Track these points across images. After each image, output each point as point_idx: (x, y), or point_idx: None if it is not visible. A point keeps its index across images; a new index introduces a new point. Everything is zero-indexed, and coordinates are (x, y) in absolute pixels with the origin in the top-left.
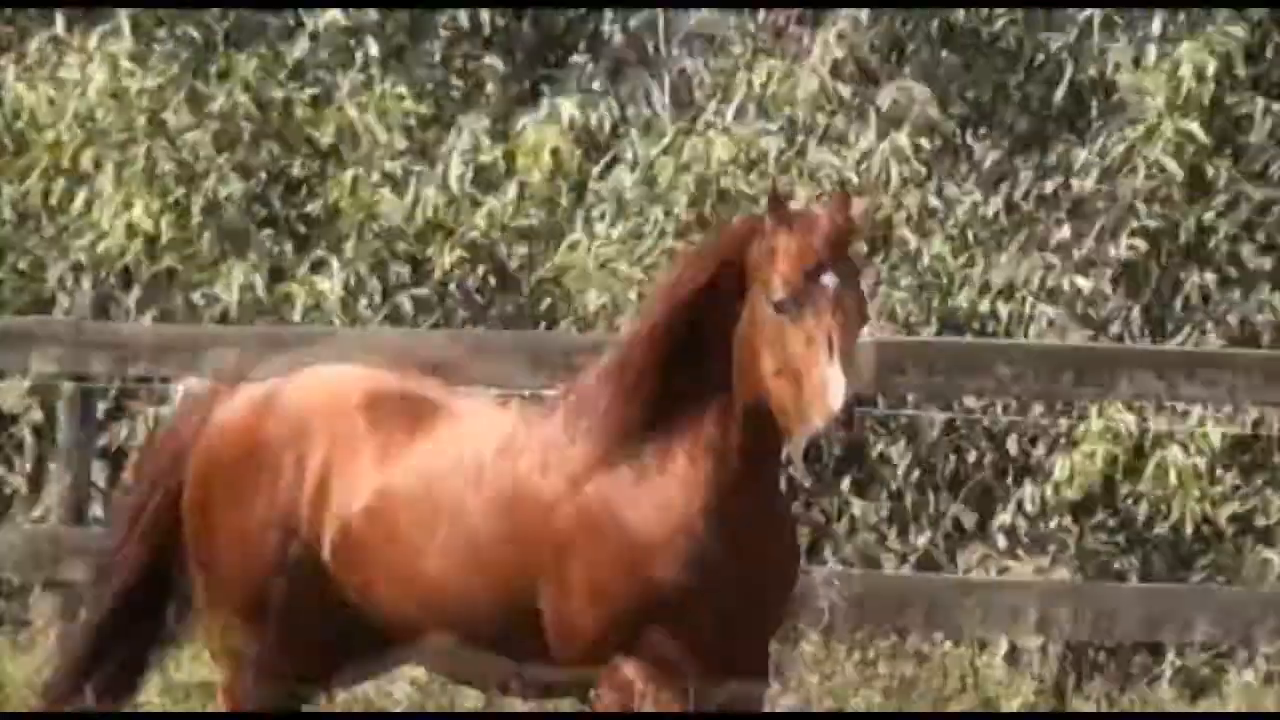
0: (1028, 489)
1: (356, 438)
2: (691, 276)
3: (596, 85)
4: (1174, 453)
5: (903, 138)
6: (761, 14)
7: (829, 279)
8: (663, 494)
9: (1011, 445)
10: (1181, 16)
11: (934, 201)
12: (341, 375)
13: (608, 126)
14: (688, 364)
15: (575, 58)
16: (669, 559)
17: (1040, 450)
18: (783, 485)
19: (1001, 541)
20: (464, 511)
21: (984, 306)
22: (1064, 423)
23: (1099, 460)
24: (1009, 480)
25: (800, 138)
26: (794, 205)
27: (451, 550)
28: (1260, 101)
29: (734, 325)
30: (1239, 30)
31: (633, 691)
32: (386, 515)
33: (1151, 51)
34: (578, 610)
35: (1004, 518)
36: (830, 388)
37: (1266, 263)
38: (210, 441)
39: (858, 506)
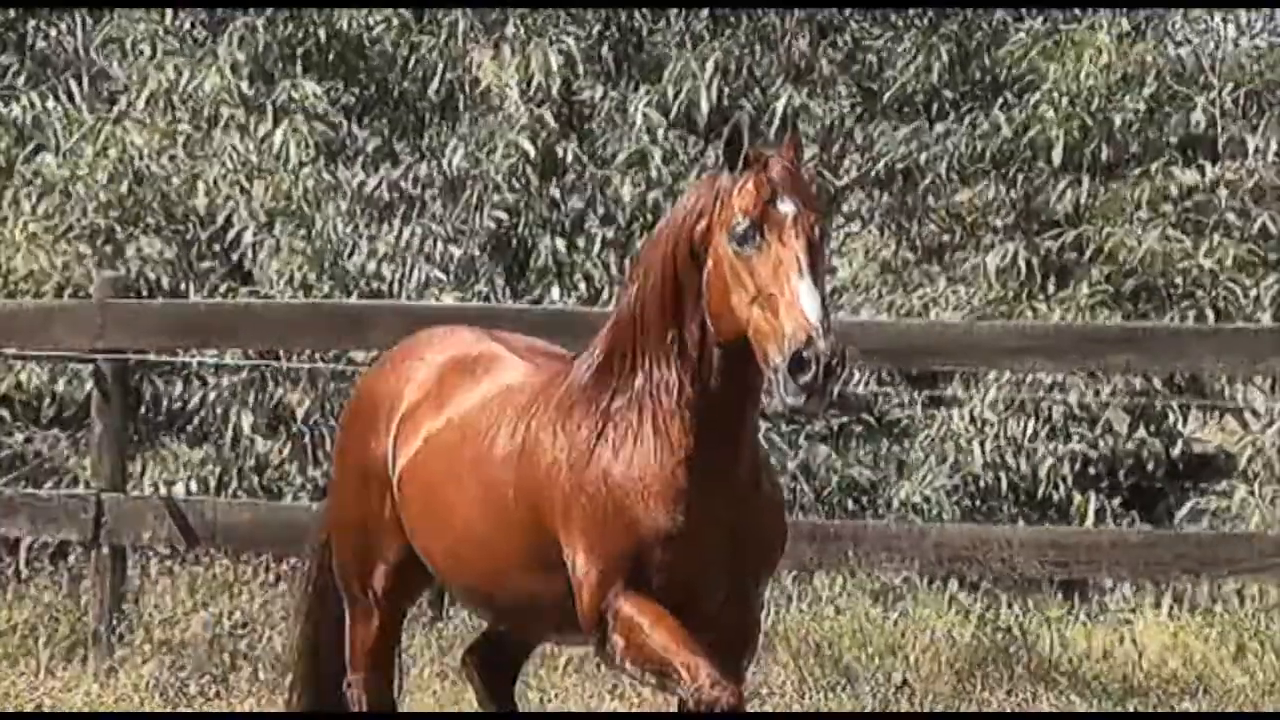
0: None
1: (432, 390)
2: (669, 238)
3: (21, 82)
4: None
5: (299, 125)
6: (169, 16)
7: (787, 205)
8: (646, 448)
9: None
10: (537, 20)
11: (327, 179)
12: (440, 335)
13: (29, 119)
14: (672, 322)
15: (1, 58)
16: (654, 509)
17: None
18: (759, 427)
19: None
20: (487, 465)
21: (372, 269)
22: None
23: None
24: None
25: (205, 125)
26: (746, 150)
27: (476, 502)
28: (600, 89)
29: (701, 276)
30: (580, 31)
31: (635, 626)
32: (428, 463)
33: (507, 51)
34: (581, 565)
35: None
36: (804, 301)
37: (610, 231)
38: (352, 397)
39: (262, 445)
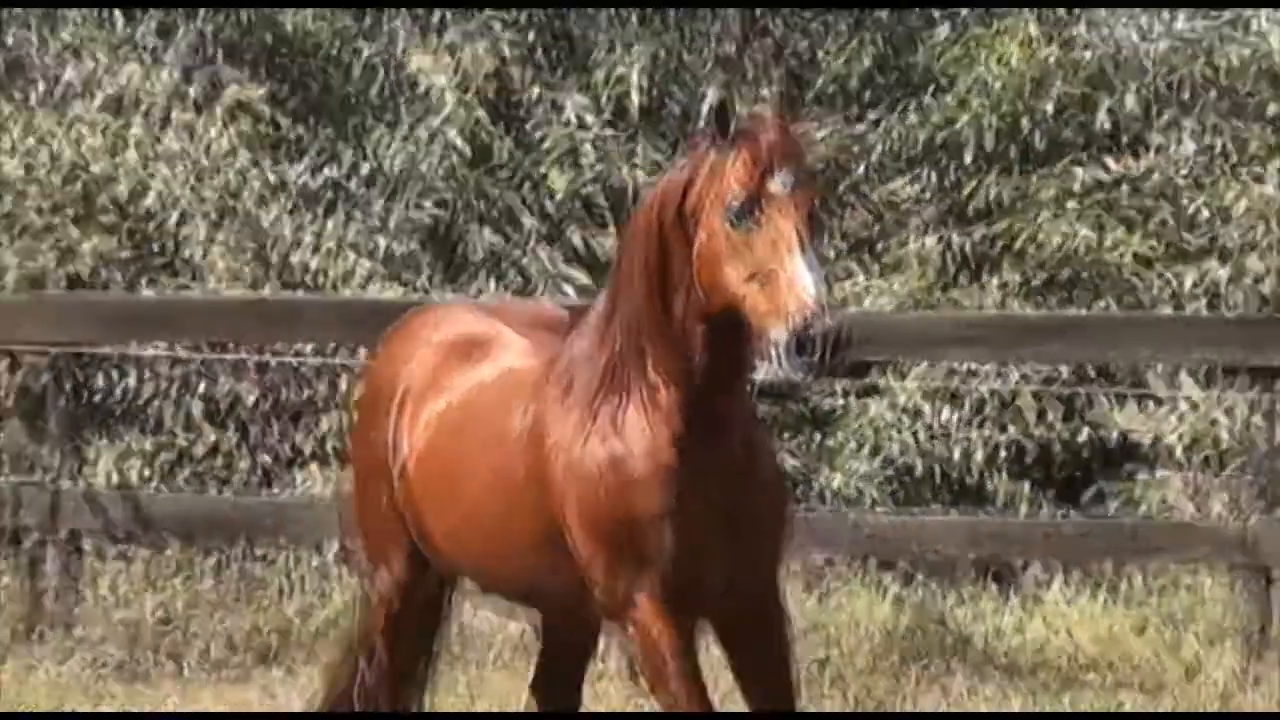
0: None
1: (433, 372)
2: (657, 211)
3: None
4: None
5: (244, 126)
6: (121, 23)
7: (780, 180)
8: (636, 427)
9: (343, 383)
10: (471, 25)
11: (271, 178)
12: (438, 316)
13: None
14: (660, 295)
15: None
16: (646, 489)
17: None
18: (754, 402)
19: (336, 463)
20: (496, 447)
21: (315, 264)
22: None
23: None
24: (339, 409)
25: (156, 127)
26: (736, 122)
27: (486, 484)
28: (535, 89)
29: (691, 249)
30: (513, 35)
31: (654, 635)
32: (433, 446)
33: (446, 55)
34: (584, 549)
35: (333, 441)
36: (802, 280)
37: (542, 225)
38: (361, 383)
39: (211, 434)
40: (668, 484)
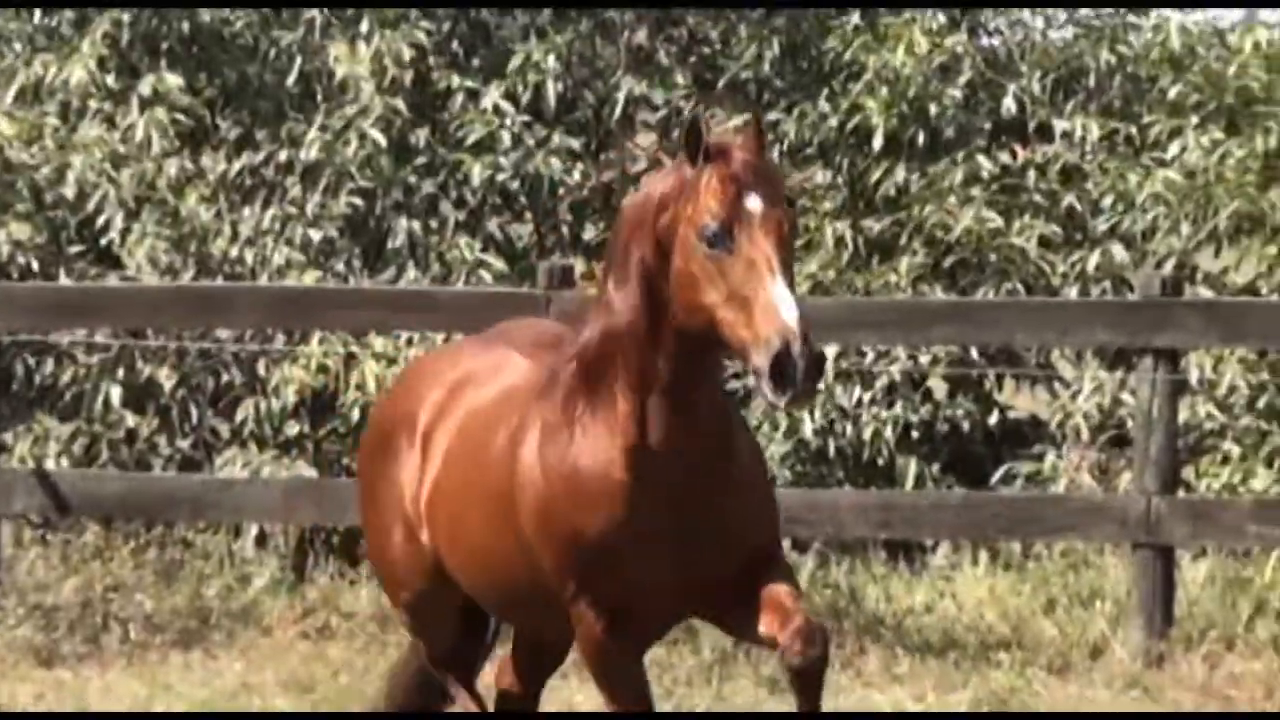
0: (269, 402)
1: (445, 407)
2: (635, 234)
3: None
4: (371, 365)
5: (161, 115)
6: (38, 14)
7: (755, 202)
8: (592, 437)
9: (261, 369)
10: (389, 14)
11: (189, 166)
12: (450, 351)
13: None
14: (642, 315)
15: None
16: (595, 500)
17: (278, 373)
18: (721, 410)
19: (253, 447)
20: (488, 471)
21: (234, 252)
22: (299, 349)
23: (312, 372)
24: (257, 395)
25: (72, 118)
26: (707, 140)
27: (482, 511)
28: (454, 80)
29: (669, 268)
30: (429, 24)
31: (594, 635)
32: (447, 480)
33: (363, 46)
34: (549, 568)
35: (251, 426)
36: (782, 306)
37: (461, 215)
38: (368, 428)
39: (131, 419)
40: (618, 496)
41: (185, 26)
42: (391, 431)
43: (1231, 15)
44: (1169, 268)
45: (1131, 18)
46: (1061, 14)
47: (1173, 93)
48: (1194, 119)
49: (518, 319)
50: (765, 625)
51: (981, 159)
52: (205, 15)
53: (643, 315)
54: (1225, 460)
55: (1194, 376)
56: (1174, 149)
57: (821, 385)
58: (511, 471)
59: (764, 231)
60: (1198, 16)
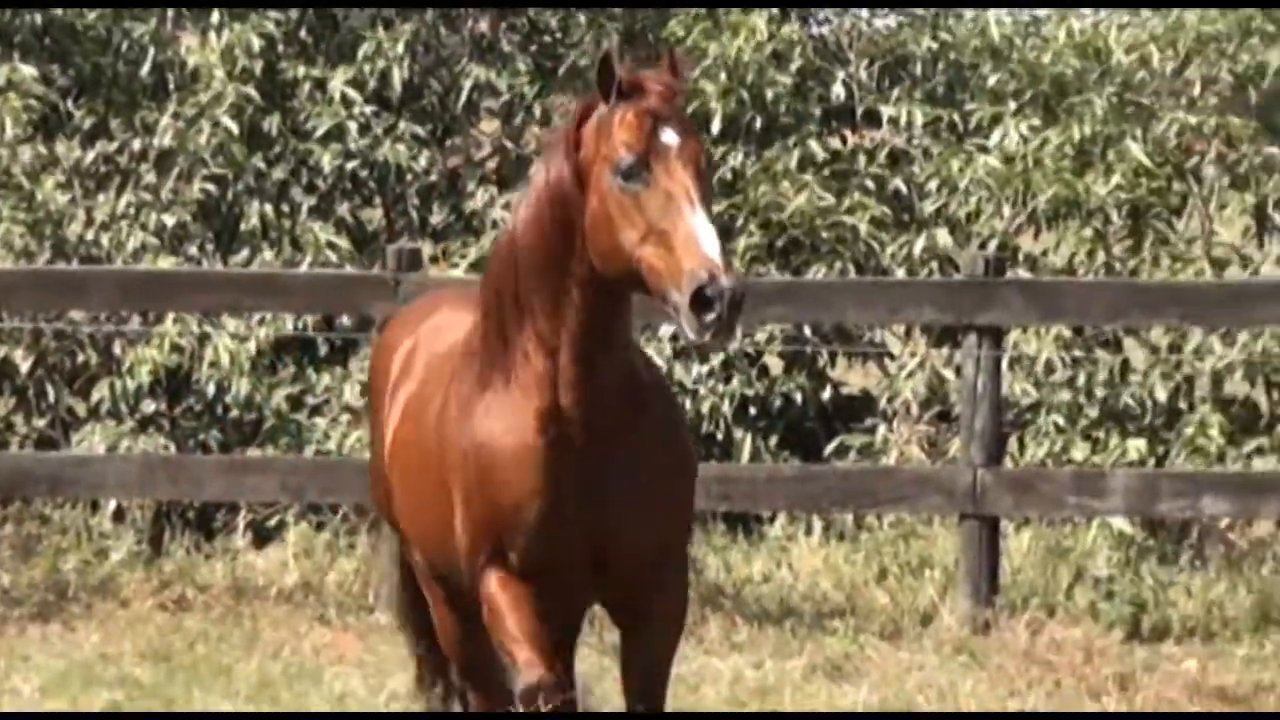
0: (124, 381)
1: (409, 360)
2: (550, 176)
3: None
4: (226, 342)
5: (15, 103)
6: None
7: (670, 135)
8: (506, 403)
9: (117, 349)
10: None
11: (44, 153)
12: (425, 302)
13: None
14: (556, 263)
15: None
16: (505, 467)
17: (133, 354)
18: (634, 381)
19: (109, 423)
20: (425, 431)
21: (90, 236)
22: (154, 329)
23: (165, 352)
24: (113, 375)
25: None
26: (620, 75)
27: (419, 470)
28: (303, 69)
29: (579, 211)
30: (279, 15)
31: (496, 605)
32: (400, 434)
33: (213, 36)
34: (459, 530)
35: (107, 405)
36: (702, 237)
37: (312, 199)
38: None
39: None
40: (527, 462)
41: (39, 19)
42: (373, 378)
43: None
44: (991, 249)
45: (954, 8)
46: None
47: (992, 81)
48: (1013, 106)
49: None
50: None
51: (813, 144)
52: (57, 9)
53: (548, 235)
54: (1045, 433)
55: (1012, 353)
56: (995, 136)
57: (740, 320)
58: (439, 437)
59: (681, 163)
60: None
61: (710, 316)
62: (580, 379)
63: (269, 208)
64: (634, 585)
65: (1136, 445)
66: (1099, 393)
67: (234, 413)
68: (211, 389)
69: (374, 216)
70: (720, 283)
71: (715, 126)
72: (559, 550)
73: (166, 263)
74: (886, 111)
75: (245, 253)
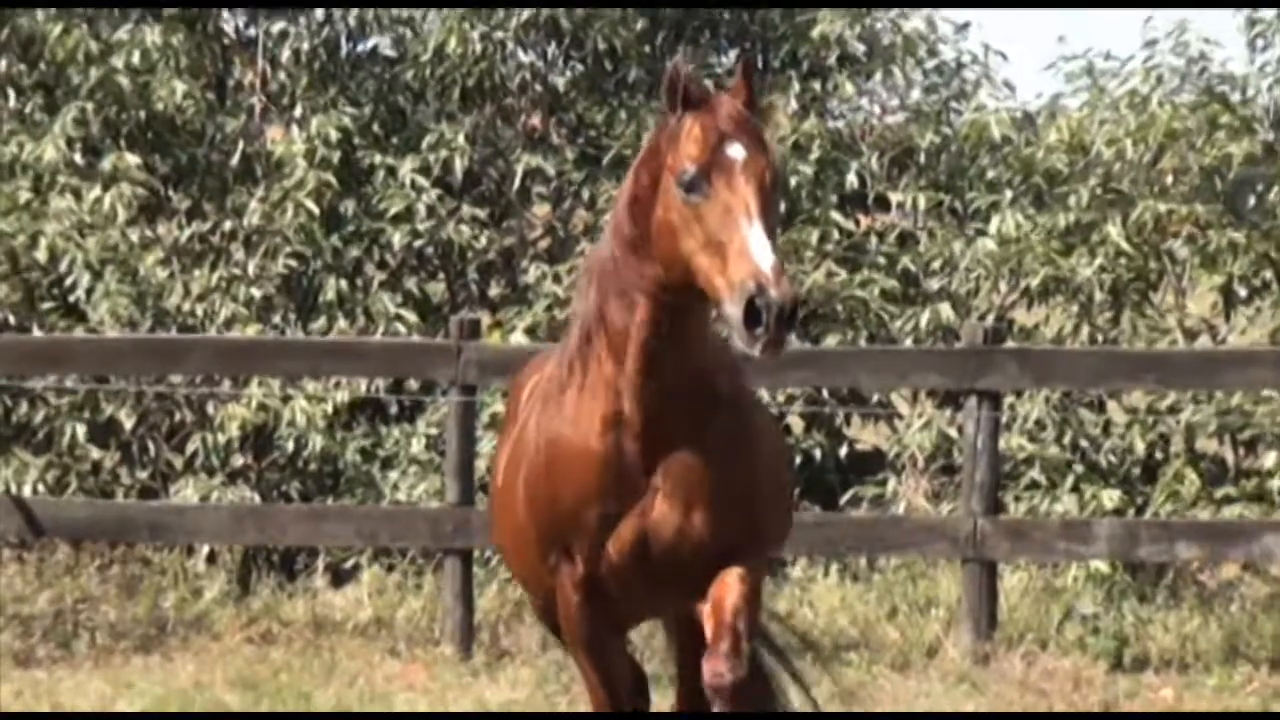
0: (216, 437)
1: (517, 404)
2: (629, 189)
3: None
4: (304, 404)
5: (123, 189)
6: (13, 98)
7: (736, 149)
8: (574, 408)
9: (210, 409)
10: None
11: (147, 234)
12: (540, 355)
13: None
14: (633, 270)
15: None
16: (571, 471)
17: (224, 412)
18: (706, 389)
19: (204, 476)
20: (519, 449)
21: (186, 307)
22: (243, 391)
23: (253, 411)
24: (205, 431)
25: (44, 190)
26: (687, 85)
27: (513, 492)
28: (377, 158)
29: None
30: (354, 110)
31: (570, 614)
32: (504, 468)
33: (295, 129)
34: (526, 521)
35: (201, 459)
36: (754, 249)
37: (383, 275)
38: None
39: (95, 453)
40: (588, 463)
41: (142, 114)
42: (510, 406)
43: (1039, 101)
44: (989, 321)
45: (955, 103)
46: (895, 99)
47: (990, 174)
48: (1008, 195)
49: None
50: (707, 632)
51: (831, 226)
52: (160, 104)
53: (626, 241)
54: (1036, 486)
55: (1009, 414)
56: (994, 222)
57: (791, 334)
58: (522, 441)
59: (744, 178)
60: (1012, 103)
61: (759, 329)
62: (643, 386)
63: (344, 282)
64: (697, 593)
65: (1115, 495)
66: (1084, 446)
67: (313, 466)
68: (292, 445)
69: (438, 290)
70: (769, 295)
71: None
72: (618, 554)
73: (253, 331)
74: (895, 197)
75: (323, 322)
